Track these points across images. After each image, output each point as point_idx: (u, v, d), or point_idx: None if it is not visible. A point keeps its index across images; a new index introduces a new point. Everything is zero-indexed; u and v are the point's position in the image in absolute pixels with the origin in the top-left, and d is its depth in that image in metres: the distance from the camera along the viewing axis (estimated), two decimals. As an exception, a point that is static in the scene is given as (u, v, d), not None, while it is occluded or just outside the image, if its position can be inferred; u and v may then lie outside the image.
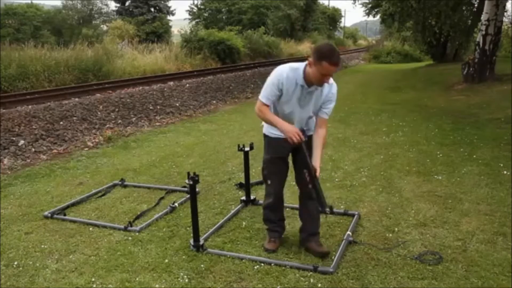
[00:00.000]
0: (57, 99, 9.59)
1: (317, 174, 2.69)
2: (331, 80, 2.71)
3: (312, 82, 2.65)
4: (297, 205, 3.58)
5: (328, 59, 2.51)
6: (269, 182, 3.03)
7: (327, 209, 2.68)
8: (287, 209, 3.51)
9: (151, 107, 9.59)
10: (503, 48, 17.03)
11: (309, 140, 2.80)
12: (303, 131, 2.69)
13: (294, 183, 3.11)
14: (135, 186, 4.45)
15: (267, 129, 2.94)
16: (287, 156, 2.97)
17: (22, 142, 6.48)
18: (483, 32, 10.53)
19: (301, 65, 2.67)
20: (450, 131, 6.33)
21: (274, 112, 2.80)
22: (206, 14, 37.13)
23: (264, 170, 3.04)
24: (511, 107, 7.30)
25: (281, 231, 3.14)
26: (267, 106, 2.71)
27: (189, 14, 36.84)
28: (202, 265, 2.84)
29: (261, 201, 3.79)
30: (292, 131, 2.63)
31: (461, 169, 4.61)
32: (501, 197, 3.83)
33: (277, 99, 2.74)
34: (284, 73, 2.66)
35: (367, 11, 20.80)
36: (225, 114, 8.95)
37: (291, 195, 3.73)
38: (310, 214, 2.99)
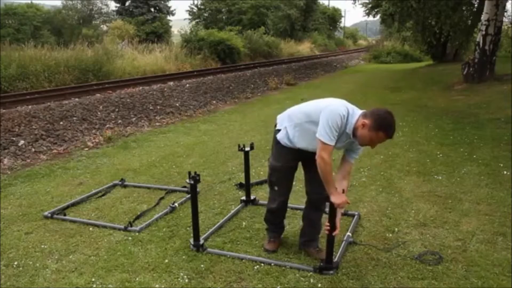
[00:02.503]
0: (57, 99, 9.61)
1: (336, 232, 2.68)
2: None
3: (357, 138, 2.56)
4: (297, 205, 3.61)
5: (387, 131, 2.48)
6: (276, 188, 2.99)
7: (333, 269, 2.72)
8: (287, 209, 3.50)
9: (151, 107, 9.59)
10: (503, 48, 17.02)
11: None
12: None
13: (295, 182, 3.10)
14: (135, 186, 4.44)
15: (282, 137, 2.82)
16: (298, 163, 2.93)
17: (22, 142, 6.48)
18: (483, 32, 10.54)
19: (355, 115, 2.56)
20: (450, 131, 6.33)
21: (304, 135, 2.70)
22: (206, 14, 37.10)
23: (272, 177, 2.98)
24: (511, 107, 7.30)
25: (281, 231, 3.14)
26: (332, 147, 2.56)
27: (189, 14, 36.83)
28: (202, 265, 2.84)
29: (261, 201, 3.80)
30: (342, 204, 2.60)
31: (461, 169, 4.62)
32: (501, 197, 3.83)
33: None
34: (345, 117, 2.53)
35: (367, 11, 20.76)
36: (225, 114, 8.94)
37: (291, 194, 3.71)
38: (312, 222, 2.99)
